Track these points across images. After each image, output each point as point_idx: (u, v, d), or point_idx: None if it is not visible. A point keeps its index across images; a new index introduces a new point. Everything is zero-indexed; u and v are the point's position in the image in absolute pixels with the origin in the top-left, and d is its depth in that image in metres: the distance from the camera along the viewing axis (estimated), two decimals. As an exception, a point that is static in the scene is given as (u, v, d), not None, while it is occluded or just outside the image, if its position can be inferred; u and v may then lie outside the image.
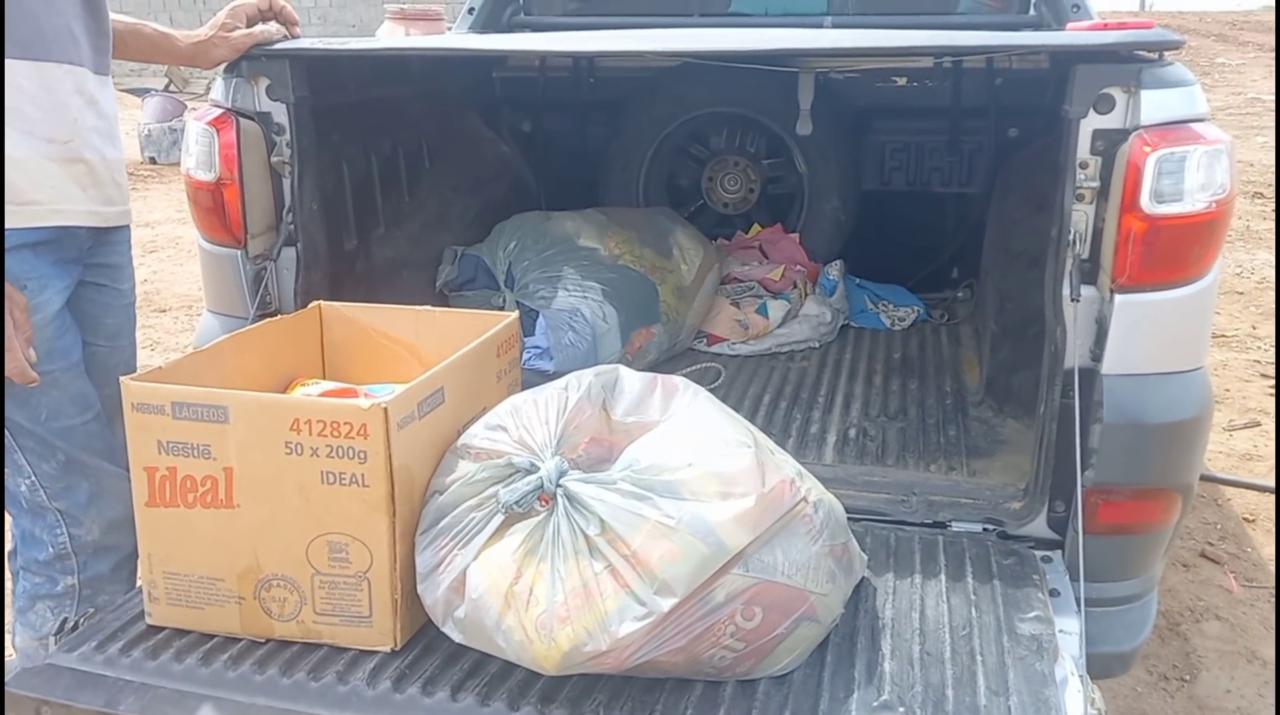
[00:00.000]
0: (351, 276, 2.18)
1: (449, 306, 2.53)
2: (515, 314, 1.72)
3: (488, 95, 3.16)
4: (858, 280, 2.95)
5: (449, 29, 11.77)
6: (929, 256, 3.09)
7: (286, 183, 1.89)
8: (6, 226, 1.34)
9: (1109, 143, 1.53)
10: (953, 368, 2.52)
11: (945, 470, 1.96)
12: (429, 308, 1.77)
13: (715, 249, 2.85)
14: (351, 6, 17.37)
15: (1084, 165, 1.55)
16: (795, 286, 2.77)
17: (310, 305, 1.76)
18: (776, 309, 2.68)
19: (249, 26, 1.77)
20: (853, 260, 3.00)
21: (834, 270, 2.83)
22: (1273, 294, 4.85)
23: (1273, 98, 10.13)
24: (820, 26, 2.86)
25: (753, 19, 3.11)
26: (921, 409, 2.27)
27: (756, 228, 3.10)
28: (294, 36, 1.85)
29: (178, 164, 8.81)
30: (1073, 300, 1.57)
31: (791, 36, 1.89)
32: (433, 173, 2.63)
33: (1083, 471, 1.55)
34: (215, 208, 1.85)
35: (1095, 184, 1.55)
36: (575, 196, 3.07)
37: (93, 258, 1.51)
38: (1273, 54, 13.55)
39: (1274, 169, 7.01)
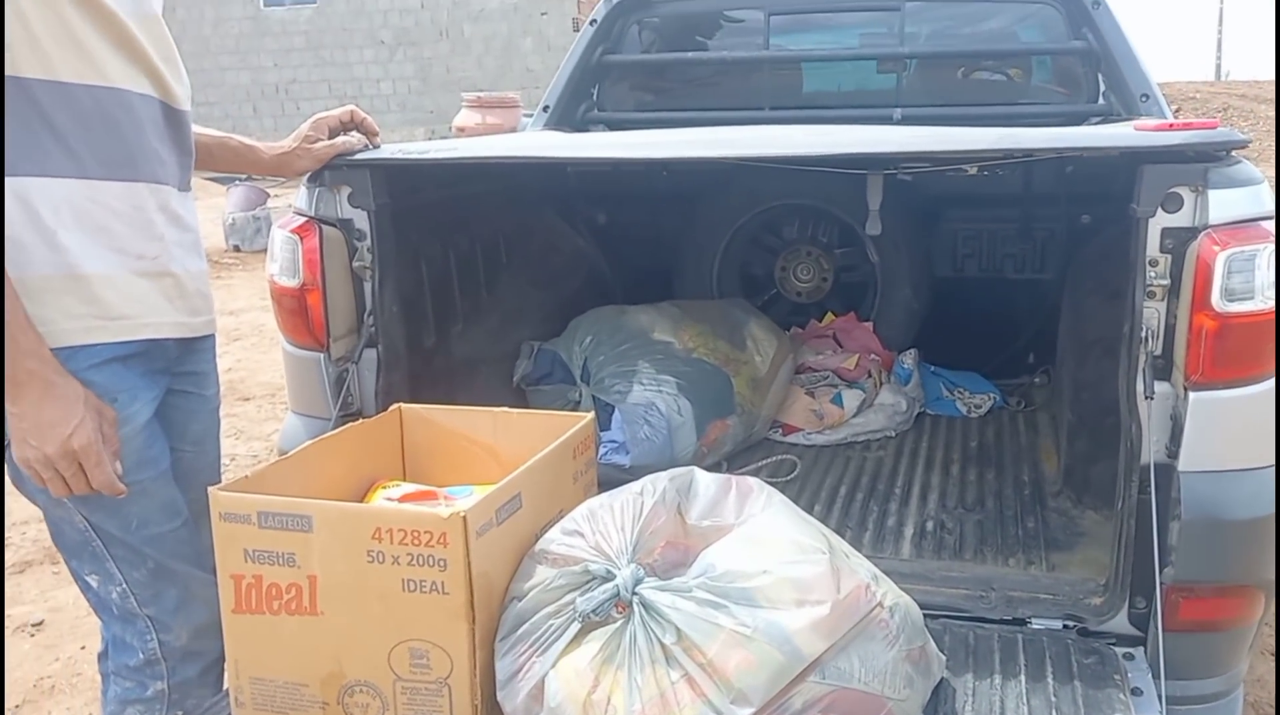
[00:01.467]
0: (430, 374, 2.23)
1: (526, 401, 2.58)
2: (591, 416, 1.73)
3: (563, 189, 3.25)
4: (932, 367, 2.93)
5: (524, 115, 12.17)
6: (1004, 343, 3.06)
7: (367, 286, 1.94)
8: (98, 341, 1.39)
9: (1178, 241, 1.53)
10: (1030, 457, 2.48)
11: (1024, 564, 1.93)
12: (506, 410, 1.79)
13: (789, 339, 2.86)
14: (429, 93, 18.09)
15: (1154, 263, 1.55)
16: (870, 375, 2.76)
17: (391, 408, 1.80)
18: (851, 398, 2.66)
19: (331, 138, 1.84)
20: (927, 347, 2.98)
21: (908, 358, 2.82)
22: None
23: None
24: (889, 118, 2.90)
25: (825, 110, 3.14)
26: (999, 500, 2.23)
27: (830, 316, 3.10)
28: (374, 146, 1.92)
29: (261, 251, 9.24)
30: (1147, 397, 1.56)
31: (860, 139, 1.91)
32: (510, 268, 2.70)
33: (1162, 569, 1.53)
34: (299, 312, 1.91)
35: (1166, 282, 1.55)
36: (650, 287, 3.12)
37: (179, 366, 1.56)
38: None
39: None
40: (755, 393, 2.59)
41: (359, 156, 1.87)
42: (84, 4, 1.31)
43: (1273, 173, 7.78)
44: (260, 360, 5.56)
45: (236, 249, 9.17)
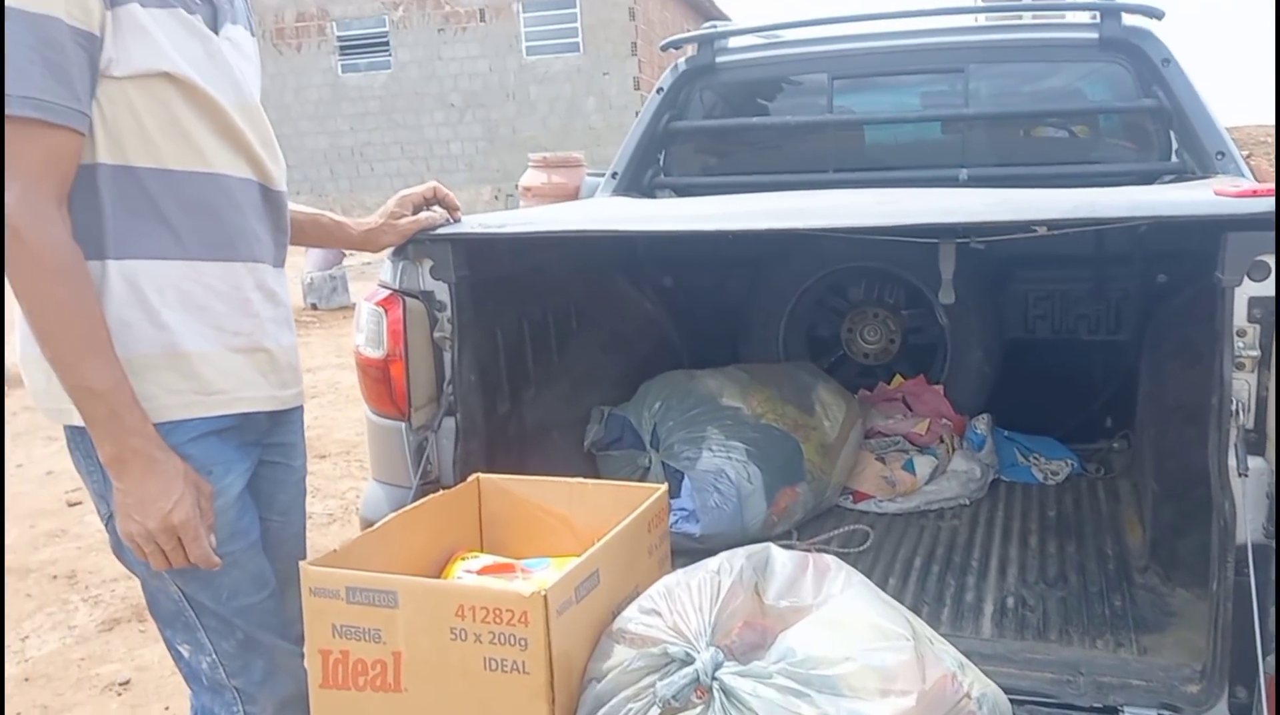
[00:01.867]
0: (504, 440, 2.26)
1: (597, 466, 2.60)
2: (664, 488, 1.74)
3: (630, 254, 3.29)
4: (1006, 432, 2.88)
5: (588, 174, 12.39)
6: (1080, 406, 2.99)
7: (447, 356, 1.99)
8: (196, 416, 1.43)
9: (1266, 310, 1.48)
10: (1113, 528, 2.40)
11: (1113, 646, 1.85)
12: (581, 481, 1.81)
13: (858, 403, 2.84)
14: (496, 153, 18.54)
15: (1241, 333, 1.50)
16: (942, 441, 2.72)
17: (470, 478, 1.83)
18: (924, 465, 2.63)
19: (414, 213, 1.90)
20: (1000, 411, 2.93)
21: (981, 424, 2.77)
22: None
23: None
24: (955, 178, 2.89)
25: (889, 170, 3.11)
26: (1083, 575, 2.15)
27: (898, 379, 3.08)
28: (455, 220, 1.97)
29: (338, 309, 9.49)
30: (1240, 474, 1.49)
31: (933, 208, 1.90)
32: (580, 333, 2.74)
33: (1265, 657, 1.44)
34: (383, 382, 1.97)
35: (1255, 353, 1.49)
36: (716, 350, 3.13)
37: (269, 438, 1.59)
38: None
39: None
40: (825, 459, 2.57)
41: (440, 231, 1.92)
42: (191, 97, 1.38)
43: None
44: (336, 418, 5.68)
45: (314, 307, 9.42)
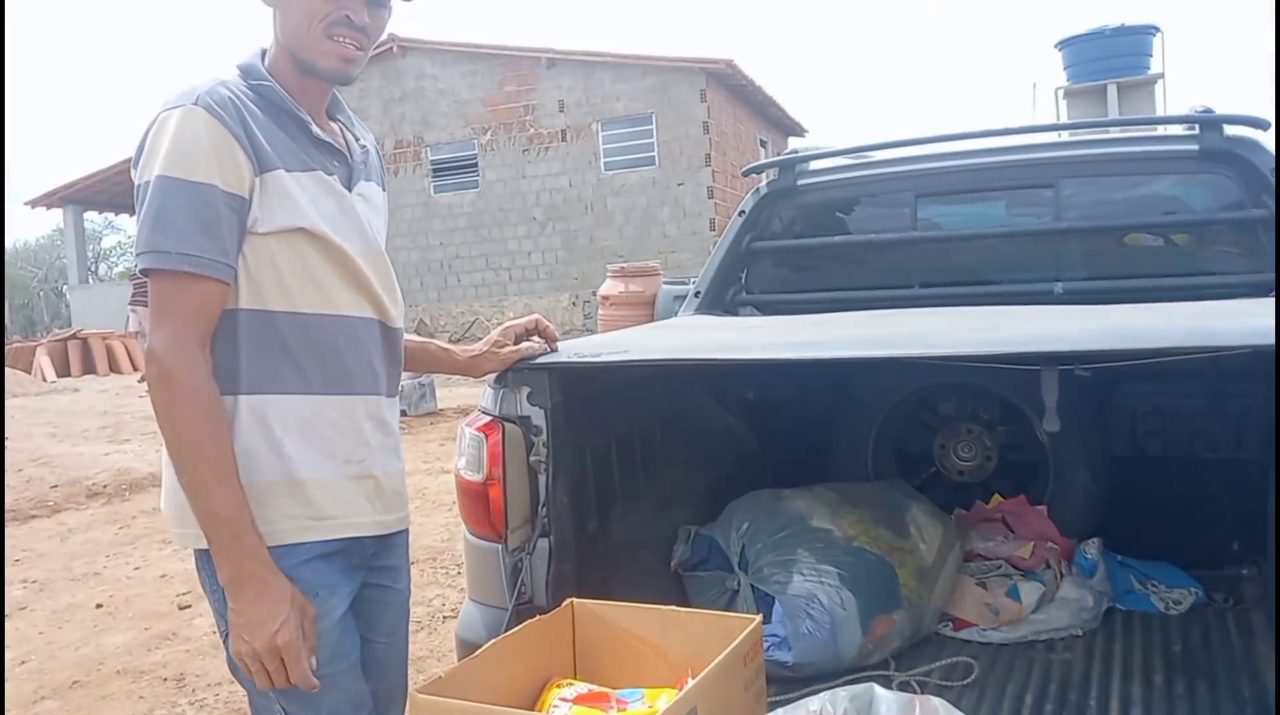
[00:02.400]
0: (593, 558, 2.23)
1: (683, 586, 2.54)
2: (758, 619, 1.70)
3: (713, 368, 3.27)
4: (1120, 557, 2.71)
5: (664, 283, 12.53)
6: (1202, 530, 2.78)
7: (542, 479, 2.02)
8: (309, 540, 1.51)
9: None
10: (1247, 666, 2.21)
11: None
12: (674, 609, 1.79)
13: (954, 525, 2.74)
14: (575, 262, 18.99)
15: None
16: (1048, 565, 2.59)
17: (564, 604, 1.82)
18: (1029, 592, 2.50)
19: (516, 343, 1.99)
20: (1111, 534, 2.76)
21: (1091, 548, 2.63)
22: None
23: None
24: (1050, 292, 2.82)
25: (979, 286, 3.03)
26: None
27: (997, 498, 2.96)
28: (553, 350, 2.05)
29: (425, 416, 9.68)
30: None
31: (1035, 336, 1.84)
32: (665, 449, 2.72)
33: None
34: (482, 505, 2.01)
35: None
36: (802, 464, 3.07)
37: (375, 561, 1.64)
38: None
39: None
40: (922, 584, 2.47)
41: (538, 360, 1.98)
42: (323, 248, 1.52)
43: None
44: (423, 523, 5.70)
45: (404, 413, 9.62)
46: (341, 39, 1.51)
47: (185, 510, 1.45)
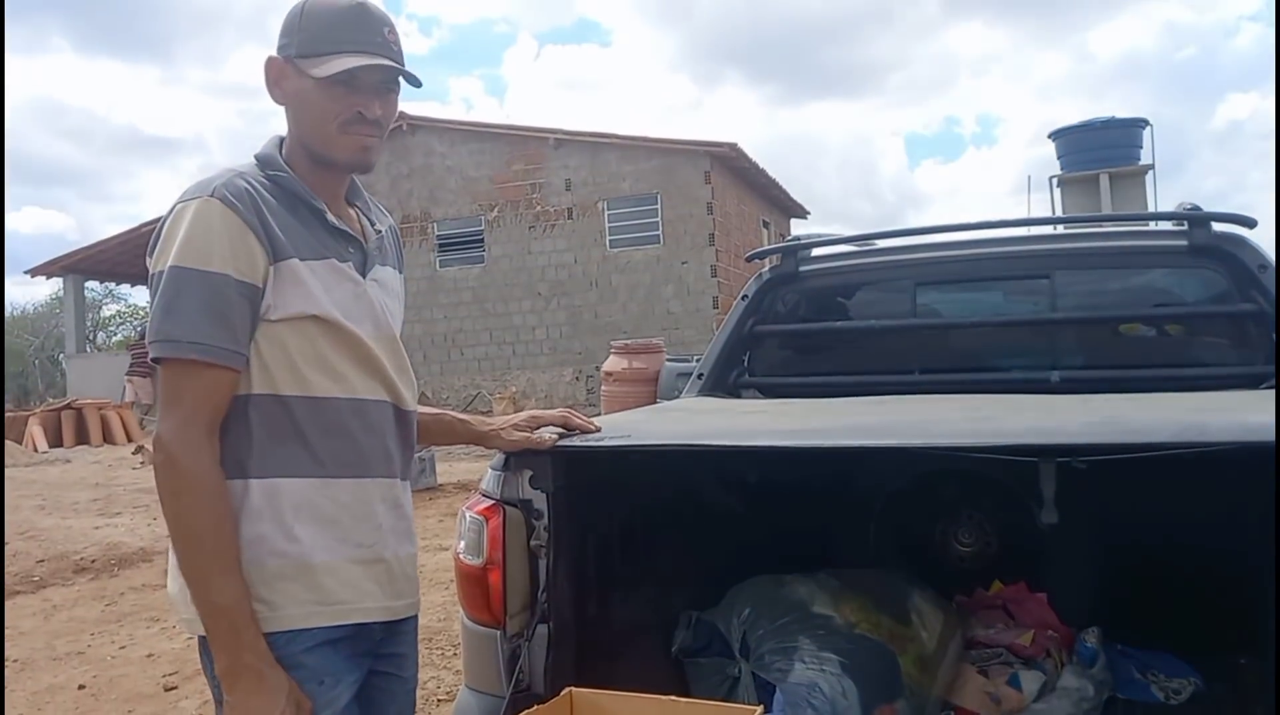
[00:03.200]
0: (593, 644, 2.21)
1: (684, 674, 2.53)
2: (759, 709, 1.69)
3: (717, 453, 3.30)
4: (1120, 646, 2.71)
5: (667, 360, 12.59)
6: (1199, 618, 2.79)
7: (542, 563, 2.01)
8: (316, 625, 1.49)
9: None
10: None
11: None
12: (674, 699, 1.76)
13: (956, 612, 2.74)
14: (578, 337, 19.10)
15: None
16: (1049, 654, 2.59)
17: (563, 692, 1.80)
18: (1030, 681, 2.50)
19: (534, 430, 1.95)
20: (1110, 622, 2.76)
21: (1092, 637, 2.63)
22: None
23: None
24: (1046, 380, 2.87)
25: (977, 373, 3.07)
26: None
27: (997, 585, 2.96)
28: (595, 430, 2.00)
29: (425, 491, 9.63)
30: None
31: (1032, 428, 1.88)
32: (667, 533, 2.72)
33: None
34: (480, 589, 1.99)
35: None
36: (803, 548, 3.07)
37: (382, 649, 1.62)
38: None
39: None
40: (924, 673, 2.46)
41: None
42: (335, 334, 1.53)
43: None
44: (420, 602, 5.65)
45: (404, 490, 9.57)
46: (356, 133, 1.54)
47: (184, 595, 1.45)
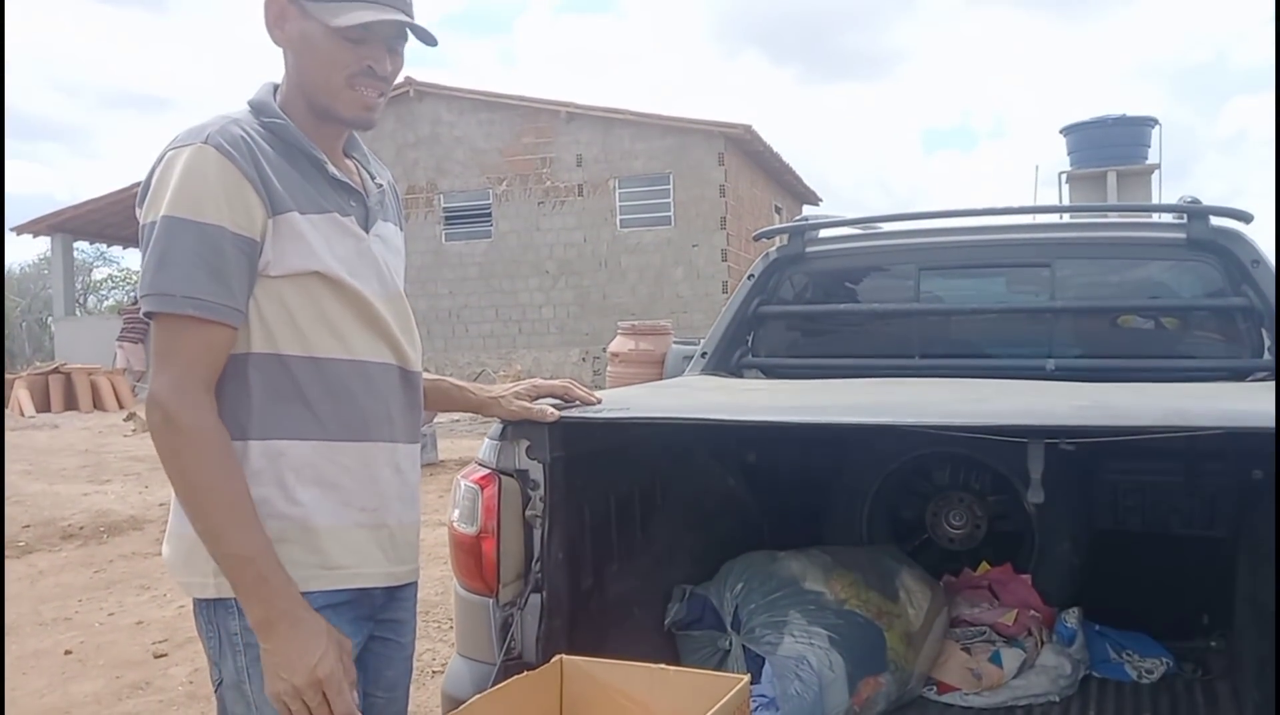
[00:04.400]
0: (586, 615, 2.25)
1: (676, 645, 2.59)
2: (746, 679, 1.73)
3: (716, 429, 3.33)
4: (1097, 626, 2.78)
5: (674, 343, 12.64)
6: (1173, 602, 2.88)
7: (537, 533, 2.04)
8: (317, 589, 1.47)
9: None
10: None
11: None
12: (663, 667, 1.79)
13: (942, 591, 2.80)
14: (586, 317, 19.08)
15: None
16: (1030, 633, 2.66)
17: (553, 660, 1.83)
18: (1011, 658, 2.56)
19: (534, 400, 1.96)
20: (1090, 603, 2.84)
21: (1071, 617, 2.70)
22: None
23: None
24: (1042, 368, 2.92)
25: (975, 358, 3.12)
26: None
27: (985, 566, 3.03)
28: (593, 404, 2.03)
29: (425, 466, 9.64)
30: None
31: (1024, 409, 1.92)
32: (663, 508, 2.77)
33: None
34: (474, 558, 2.02)
35: None
36: (798, 527, 3.13)
37: (382, 614, 1.60)
38: None
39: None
40: (909, 648, 2.53)
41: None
42: (338, 292, 1.49)
43: None
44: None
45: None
46: (364, 88, 1.48)
47: (191, 556, 1.43)
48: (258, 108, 1.49)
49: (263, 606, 1.38)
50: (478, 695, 1.67)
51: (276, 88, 1.53)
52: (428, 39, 1.51)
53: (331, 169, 1.51)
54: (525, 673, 1.79)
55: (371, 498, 1.54)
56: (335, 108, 1.49)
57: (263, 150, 1.43)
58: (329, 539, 1.49)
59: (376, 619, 1.60)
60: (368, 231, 1.55)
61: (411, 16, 1.49)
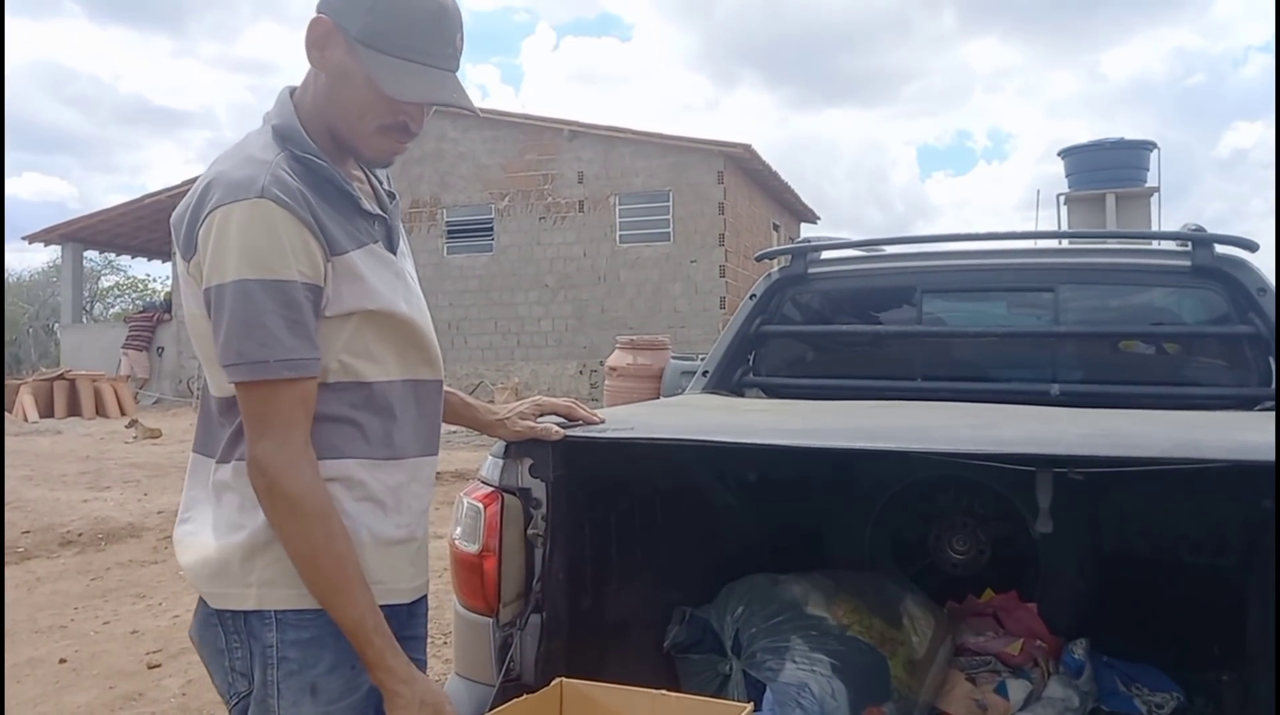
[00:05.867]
0: (585, 636, 2.22)
1: (675, 669, 2.55)
2: (749, 707, 1.70)
3: (718, 450, 3.31)
4: (1105, 658, 2.74)
5: (672, 357, 12.64)
6: (1183, 632, 2.83)
7: (538, 553, 2.02)
8: None
9: None
10: None
11: None
12: (664, 693, 1.75)
13: (947, 618, 2.76)
14: (584, 330, 19.11)
15: None
16: (1036, 664, 2.62)
17: (553, 683, 1.80)
18: (1017, 690, 2.52)
19: (538, 417, 1.94)
20: (1097, 633, 2.79)
21: (1079, 648, 2.65)
22: None
23: None
24: (1046, 392, 2.90)
25: (978, 383, 3.07)
26: None
27: (989, 593, 2.99)
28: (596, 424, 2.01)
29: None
30: None
31: (1031, 438, 1.90)
32: (664, 527, 2.74)
33: None
34: (475, 577, 2.00)
35: None
36: (799, 548, 3.10)
37: (403, 631, 1.55)
38: None
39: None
40: (912, 676, 2.49)
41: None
42: (385, 322, 1.48)
43: None
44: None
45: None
46: (393, 139, 1.48)
47: (228, 567, 1.43)
48: (287, 137, 1.45)
49: (379, 671, 1.41)
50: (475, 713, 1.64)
51: (293, 95, 1.50)
52: (471, 112, 1.53)
53: (365, 204, 1.50)
54: (525, 695, 1.77)
55: (405, 514, 1.54)
56: (358, 148, 1.48)
57: (309, 193, 1.40)
58: (370, 554, 1.48)
59: (400, 637, 1.54)
60: (395, 253, 1.54)
61: (457, 67, 1.47)
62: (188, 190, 1.46)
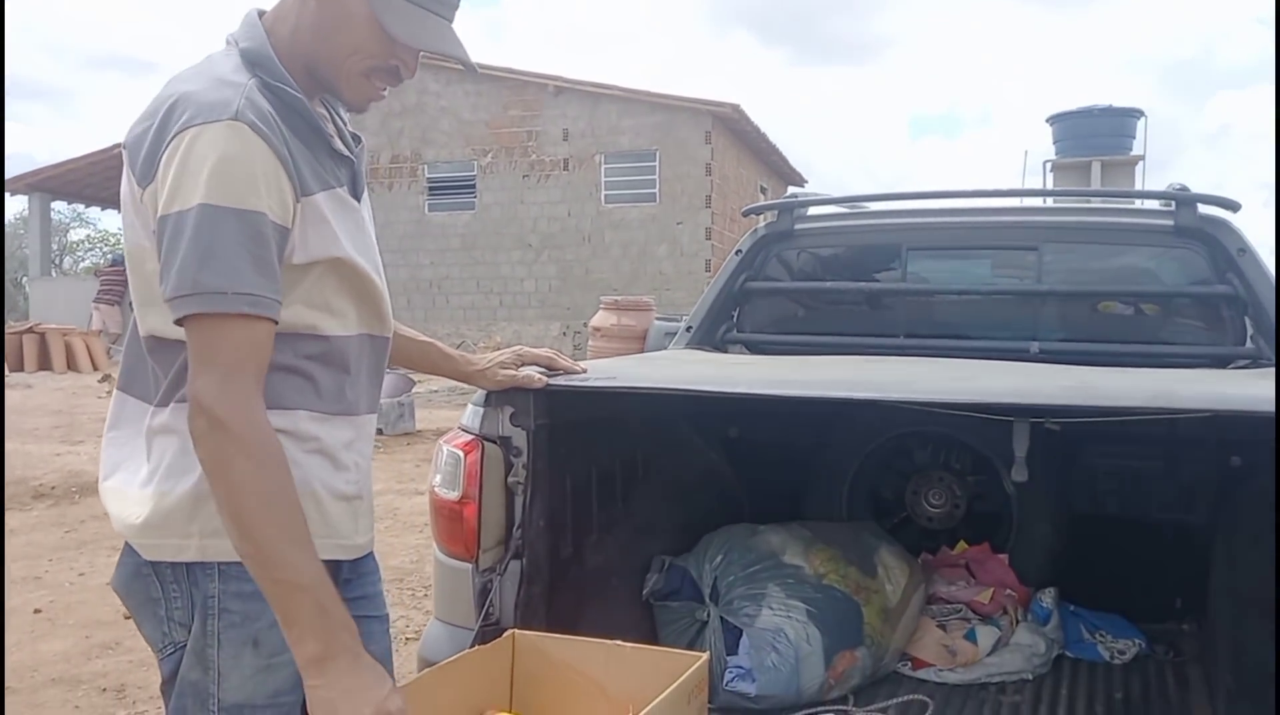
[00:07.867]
0: (564, 584, 2.25)
1: (653, 616, 2.60)
2: (705, 657, 1.70)
3: (698, 404, 3.31)
4: (1072, 607, 2.81)
5: (656, 318, 12.62)
6: (1148, 585, 2.91)
7: (518, 500, 2.04)
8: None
9: None
10: None
11: None
12: (619, 643, 1.75)
13: (920, 568, 2.82)
14: (568, 291, 19.04)
15: None
16: (1005, 612, 2.68)
17: (505, 635, 1.79)
18: (986, 636, 2.58)
19: (519, 367, 1.93)
20: (1066, 584, 2.87)
21: (1047, 597, 2.72)
22: None
23: None
24: (1026, 350, 2.93)
25: (960, 339, 3.11)
26: None
27: (962, 545, 3.04)
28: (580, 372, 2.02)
29: (402, 435, 9.62)
30: None
31: (1011, 388, 1.92)
32: (645, 480, 2.76)
33: None
34: (455, 523, 2.02)
35: None
36: (779, 503, 3.14)
37: (350, 591, 1.49)
38: None
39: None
40: (885, 623, 2.55)
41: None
42: (346, 273, 1.40)
43: None
44: (393, 544, 5.70)
45: (380, 432, 9.53)
46: (379, 83, 1.40)
47: (170, 518, 1.33)
48: (256, 61, 1.33)
49: (320, 642, 1.24)
50: (425, 671, 1.63)
51: (262, 17, 1.39)
52: (471, 70, 1.48)
53: (337, 144, 1.42)
54: (476, 646, 1.75)
55: (352, 470, 1.48)
56: (340, 88, 1.40)
57: (282, 124, 1.30)
58: (323, 507, 1.42)
59: (345, 597, 1.46)
60: (358, 200, 1.46)
61: (455, 15, 1.42)
62: None
